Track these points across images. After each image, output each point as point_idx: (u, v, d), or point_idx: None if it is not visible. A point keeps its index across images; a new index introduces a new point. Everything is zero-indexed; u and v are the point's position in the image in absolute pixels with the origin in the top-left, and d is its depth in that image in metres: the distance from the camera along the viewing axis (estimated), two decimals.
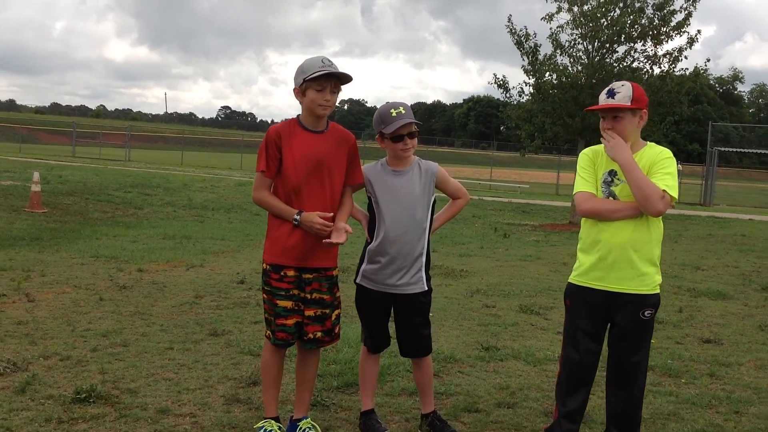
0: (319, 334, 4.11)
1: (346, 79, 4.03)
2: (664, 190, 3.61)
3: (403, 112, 4.08)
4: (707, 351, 6.40)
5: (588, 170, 3.91)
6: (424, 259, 4.22)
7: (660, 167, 3.69)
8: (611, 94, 3.77)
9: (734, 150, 50.31)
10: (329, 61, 3.96)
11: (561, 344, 4.07)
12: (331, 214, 4.02)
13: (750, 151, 50.54)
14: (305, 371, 4.26)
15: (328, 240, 3.93)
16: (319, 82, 3.92)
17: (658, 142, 3.97)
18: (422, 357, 4.34)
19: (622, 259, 3.73)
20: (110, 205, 17.65)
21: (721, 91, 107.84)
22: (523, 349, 6.18)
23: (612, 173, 3.81)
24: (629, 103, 3.73)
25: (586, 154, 3.97)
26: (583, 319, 3.89)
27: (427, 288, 4.24)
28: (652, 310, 3.79)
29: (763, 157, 60.05)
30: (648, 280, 3.76)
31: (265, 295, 4.13)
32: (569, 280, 3.99)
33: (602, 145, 3.90)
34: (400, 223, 4.14)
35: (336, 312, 4.19)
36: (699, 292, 9.22)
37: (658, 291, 3.84)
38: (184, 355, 5.63)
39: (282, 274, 4.02)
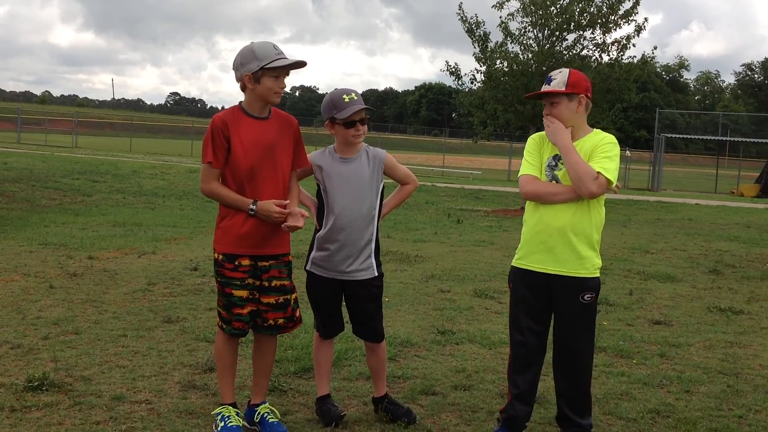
0: (281, 320, 4.09)
1: (301, 66, 4.01)
2: (599, 173, 3.68)
3: (356, 98, 4.10)
4: (657, 332, 6.54)
5: (533, 154, 3.98)
6: (373, 245, 4.23)
7: (600, 152, 3.77)
8: (548, 81, 3.89)
9: (681, 136, 51.35)
10: (278, 47, 3.94)
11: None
12: (287, 201, 3.99)
13: (696, 137, 51.68)
14: (263, 358, 4.23)
15: (286, 224, 3.91)
16: (277, 70, 3.89)
17: (606, 129, 4.04)
18: (377, 342, 4.35)
19: (562, 243, 3.80)
20: (58, 192, 17.29)
21: (667, 78, 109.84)
22: (479, 333, 6.24)
23: (556, 158, 3.88)
24: (563, 89, 3.81)
25: (533, 139, 4.04)
26: (525, 301, 3.95)
27: (377, 273, 4.24)
28: (592, 294, 3.85)
29: (709, 143, 61.33)
30: (587, 263, 3.83)
31: (218, 286, 4.08)
32: (512, 264, 4.05)
33: None
34: (348, 211, 4.14)
35: (294, 296, 4.17)
36: (648, 275, 9.40)
37: (597, 274, 3.90)
38: (138, 343, 5.56)
39: (236, 263, 3.97)
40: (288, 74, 4.00)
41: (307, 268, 4.30)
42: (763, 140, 43.46)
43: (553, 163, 3.89)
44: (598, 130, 3.93)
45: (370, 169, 4.17)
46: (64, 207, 15.18)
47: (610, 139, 3.84)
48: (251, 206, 3.91)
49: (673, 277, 9.33)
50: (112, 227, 12.37)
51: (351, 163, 4.17)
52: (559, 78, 3.84)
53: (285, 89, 4.04)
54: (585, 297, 3.83)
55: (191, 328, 5.98)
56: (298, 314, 4.20)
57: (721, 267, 10.38)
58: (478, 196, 24.46)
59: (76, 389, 4.50)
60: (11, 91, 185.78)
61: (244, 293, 3.99)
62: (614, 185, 3.78)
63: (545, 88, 3.87)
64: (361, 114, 4.10)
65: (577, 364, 3.92)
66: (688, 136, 51.74)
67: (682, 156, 75.48)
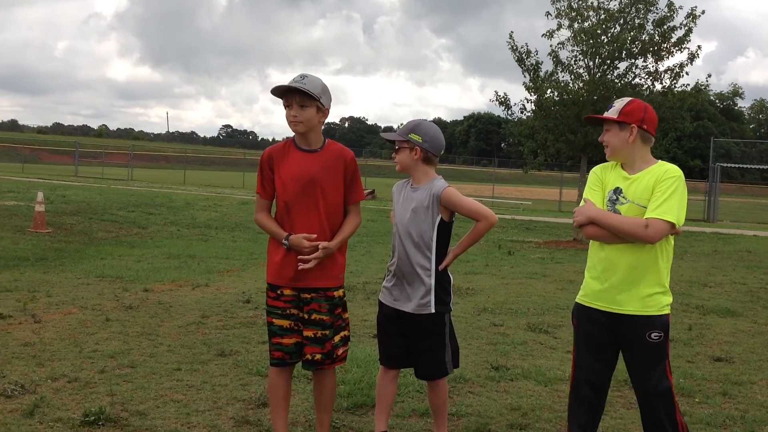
0: (318, 356, 4.03)
1: (300, 91, 3.89)
2: (651, 218, 3.53)
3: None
4: (719, 369, 6.35)
5: (596, 188, 3.84)
6: (432, 281, 4.15)
7: (658, 190, 3.60)
8: (609, 107, 3.79)
9: (736, 166, 50.28)
10: (300, 76, 3.92)
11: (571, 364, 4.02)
12: (314, 236, 3.95)
13: (752, 166, 50.57)
14: (321, 393, 4.20)
15: (300, 265, 3.93)
16: (284, 98, 3.95)
17: (659, 158, 3.90)
18: (431, 380, 4.27)
19: (627, 281, 3.64)
20: (114, 225, 17.64)
21: (721, 106, 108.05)
22: (534, 369, 6.13)
23: (617, 191, 3.72)
24: (616, 116, 3.70)
25: (594, 172, 3.89)
26: (589, 340, 3.81)
27: (434, 311, 4.15)
28: (660, 333, 3.64)
29: (765, 172, 60.04)
30: (653, 302, 3.64)
31: (266, 315, 4.15)
32: (576, 300, 3.90)
33: (611, 163, 3.87)
34: (398, 239, 4.17)
35: (341, 334, 4.11)
36: (707, 309, 9.16)
37: (666, 312, 3.69)
38: (192, 376, 5.59)
39: (278, 293, 4.01)
40: (305, 103, 3.91)
41: (379, 296, 4.34)
42: None
43: (615, 197, 3.73)
44: (663, 162, 3.74)
45: (427, 201, 4.12)
46: (120, 239, 15.46)
47: (673, 172, 3.64)
48: (284, 240, 3.96)
49: (734, 312, 9.07)
50: (167, 259, 12.54)
51: (414, 192, 4.18)
52: (617, 106, 3.74)
53: (299, 119, 3.91)
54: (652, 336, 3.63)
55: (244, 362, 5.99)
56: (340, 352, 4.12)
57: None
58: (529, 227, 24.24)
59: (132, 424, 4.52)
60: (69, 125, 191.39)
61: (285, 323, 4.01)
62: (678, 226, 3.57)
63: (604, 114, 3.81)
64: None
65: (653, 404, 3.70)
66: (744, 166, 50.65)
67: (738, 186, 73.93)
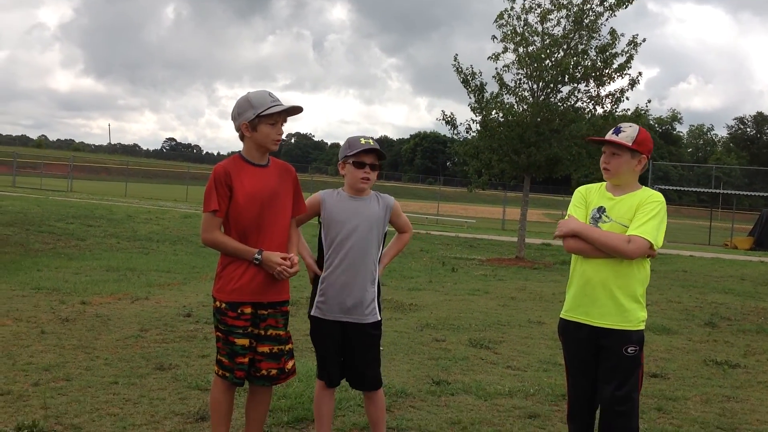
0: (274, 371, 4.04)
1: (297, 112, 4.06)
2: (633, 235, 3.68)
3: (372, 143, 4.17)
4: (654, 385, 6.48)
5: (579, 205, 3.99)
6: (376, 288, 4.22)
7: (641, 211, 3.77)
8: (617, 131, 3.88)
9: (674, 188, 51.44)
10: (275, 95, 4.00)
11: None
12: (292, 254, 4.01)
13: (689, 189, 51.91)
14: (258, 408, 4.17)
15: (279, 270, 3.92)
16: (273, 117, 3.94)
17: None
18: (374, 390, 4.30)
19: (605, 295, 3.80)
20: (52, 236, 17.22)
21: (660, 131, 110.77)
22: (474, 384, 6.18)
23: (601, 210, 3.89)
24: (630, 144, 3.83)
25: (579, 191, 4.06)
26: (573, 353, 4.00)
27: (379, 318, 4.24)
28: (635, 347, 3.82)
29: (702, 195, 61.68)
30: (631, 317, 3.82)
31: (220, 334, 4.02)
32: (560, 315, 4.07)
33: (595, 184, 4.04)
34: (356, 248, 4.16)
35: (288, 346, 4.13)
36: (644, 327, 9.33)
37: (642, 327, 3.88)
38: (129, 390, 5.49)
39: (239, 311, 3.95)
40: (285, 121, 4.06)
41: (312, 313, 4.28)
42: (756, 193, 43.77)
43: (597, 215, 3.90)
44: (647, 188, 3.92)
45: (380, 211, 4.23)
46: (58, 251, 15.11)
47: (656, 197, 3.83)
48: (256, 256, 3.91)
49: (669, 330, 9.28)
50: (106, 272, 12.29)
51: (361, 201, 4.22)
52: (629, 132, 3.85)
53: (282, 136, 4.07)
54: (629, 350, 3.81)
55: (183, 376, 5.91)
56: (290, 366, 4.15)
57: (716, 320, 10.34)
58: (473, 245, 24.43)
59: None
60: (7, 135, 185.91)
61: (246, 342, 3.97)
62: (656, 248, 3.73)
63: (612, 137, 3.87)
64: (372, 158, 4.14)
65: (621, 416, 3.83)
66: (682, 188, 51.90)
67: (675, 208, 75.68)
